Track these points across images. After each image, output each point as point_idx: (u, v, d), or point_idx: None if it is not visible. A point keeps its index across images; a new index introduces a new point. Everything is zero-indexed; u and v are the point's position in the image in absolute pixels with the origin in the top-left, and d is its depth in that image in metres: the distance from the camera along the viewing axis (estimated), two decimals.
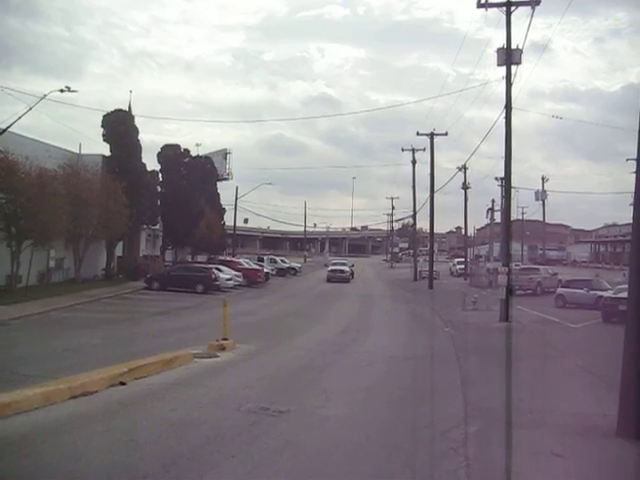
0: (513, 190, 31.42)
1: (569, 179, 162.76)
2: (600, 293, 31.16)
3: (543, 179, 79.06)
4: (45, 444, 7.99)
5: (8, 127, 27.53)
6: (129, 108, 44.01)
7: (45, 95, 28.35)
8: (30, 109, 27.53)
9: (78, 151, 41.69)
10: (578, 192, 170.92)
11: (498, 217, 64.54)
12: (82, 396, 10.36)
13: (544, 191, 78.24)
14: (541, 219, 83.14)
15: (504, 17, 27.19)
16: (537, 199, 78.95)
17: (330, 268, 45.50)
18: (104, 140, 42.57)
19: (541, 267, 51.07)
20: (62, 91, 28.70)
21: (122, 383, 11.51)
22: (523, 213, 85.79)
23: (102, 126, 42.51)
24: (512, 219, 31.80)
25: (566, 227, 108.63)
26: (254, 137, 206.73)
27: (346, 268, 50.36)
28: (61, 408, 9.70)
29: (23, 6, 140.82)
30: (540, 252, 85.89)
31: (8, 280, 30.24)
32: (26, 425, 8.66)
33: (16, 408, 9.12)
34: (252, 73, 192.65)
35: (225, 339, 16.63)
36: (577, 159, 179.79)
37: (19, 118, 27.38)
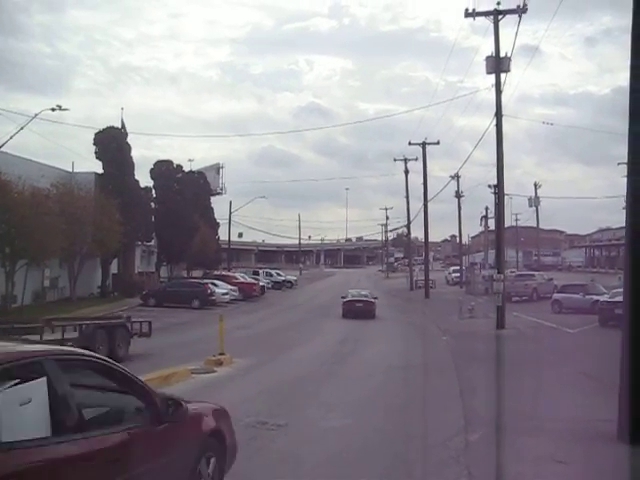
0: (506, 197, 31.62)
1: (562, 184, 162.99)
2: (596, 297, 31.17)
3: (536, 185, 79.11)
4: None
5: (0, 147, 27.50)
6: (122, 125, 44.06)
7: (36, 114, 28.44)
8: (22, 128, 27.57)
9: (71, 169, 41.70)
10: (571, 197, 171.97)
11: (492, 224, 64.79)
12: None
13: (537, 197, 78.35)
14: (535, 225, 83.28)
15: (491, 25, 27.41)
16: (531, 205, 79.04)
17: (346, 300, 34.57)
18: (97, 157, 42.56)
19: (536, 273, 51.04)
20: (53, 110, 28.79)
21: None
22: (517, 220, 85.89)
23: (94, 144, 42.51)
24: (506, 226, 31.97)
25: (560, 232, 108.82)
26: (244, 150, 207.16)
27: (367, 295, 36.05)
28: None
29: (5, 24, 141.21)
30: (535, 258, 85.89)
31: (3, 300, 30.10)
32: None
33: None
34: (240, 86, 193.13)
35: (222, 354, 16.59)
36: (570, 164, 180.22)
37: (11, 137, 27.40)
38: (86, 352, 5.50)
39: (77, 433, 4.45)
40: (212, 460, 6.12)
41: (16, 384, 4.12)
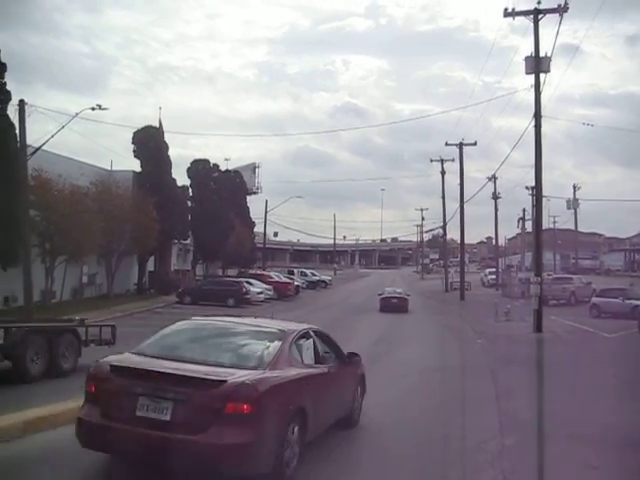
0: (544, 199, 31.19)
1: (602, 186, 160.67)
2: (636, 302, 30.68)
3: (575, 187, 78.04)
4: (80, 458, 8.02)
5: (41, 146, 27.95)
6: (159, 124, 44.53)
7: (77, 113, 28.72)
8: (62, 127, 27.93)
9: (109, 168, 42.28)
10: (611, 199, 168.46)
11: (529, 226, 64.07)
12: None
13: (576, 199, 77.21)
14: (573, 228, 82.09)
15: (531, 25, 27.05)
16: (569, 208, 77.92)
17: (383, 296, 39.12)
18: (135, 156, 43.14)
19: (574, 276, 50.36)
20: (93, 109, 29.05)
21: None
22: (555, 222, 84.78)
23: (132, 142, 43.10)
24: (544, 228, 31.51)
25: (599, 235, 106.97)
26: (280, 149, 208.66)
27: (401, 293, 40.49)
28: None
29: (43, 23, 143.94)
30: (573, 261, 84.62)
31: (42, 296, 30.65)
32: (62, 440, 8.65)
33: (52, 422, 9.17)
34: (276, 86, 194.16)
35: None
36: (609, 165, 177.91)
37: (52, 136, 27.80)
38: (319, 329, 9.81)
39: (321, 363, 8.87)
40: (359, 388, 10.49)
41: (306, 340, 8.72)
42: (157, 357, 7.35)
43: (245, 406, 6.45)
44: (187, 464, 6.30)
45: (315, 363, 8.64)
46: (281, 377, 7.26)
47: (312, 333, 9.08)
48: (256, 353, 7.61)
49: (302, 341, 8.51)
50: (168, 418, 6.47)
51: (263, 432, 6.58)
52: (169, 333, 8.50)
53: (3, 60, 26.50)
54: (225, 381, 6.56)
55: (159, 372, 6.74)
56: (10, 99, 26.60)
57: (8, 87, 26.75)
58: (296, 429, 7.29)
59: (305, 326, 9.32)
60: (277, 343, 7.82)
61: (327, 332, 10.02)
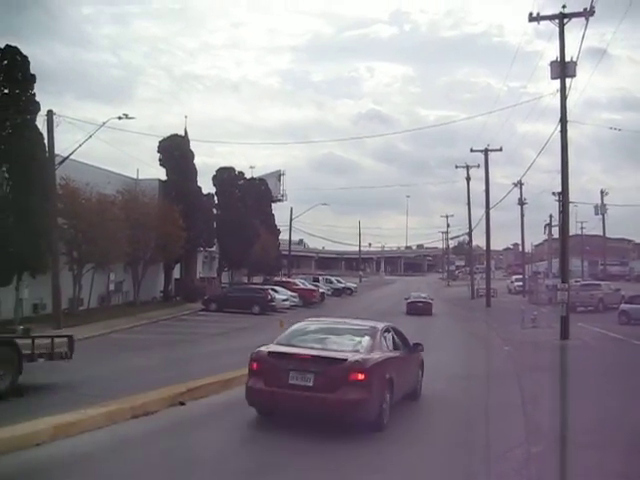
0: (571, 205, 30.92)
1: (630, 191, 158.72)
2: None
3: (602, 192, 77.26)
4: (108, 462, 8.13)
5: (69, 155, 28.39)
6: (185, 133, 44.93)
7: (104, 123, 29.14)
8: (90, 137, 28.33)
9: (136, 176, 42.70)
10: None
11: (556, 232, 63.44)
12: (143, 416, 10.53)
13: (604, 205, 76.37)
14: (601, 234, 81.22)
15: (556, 29, 26.78)
16: (597, 213, 77.17)
17: (409, 300, 44.36)
18: (160, 165, 43.55)
19: (603, 283, 49.74)
20: (120, 118, 29.45)
21: (182, 403, 11.65)
22: (582, 228, 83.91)
23: (158, 151, 43.47)
24: (571, 234, 31.22)
25: (628, 241, 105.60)
26: (305, 157, 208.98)
27: (425, 297, 45.88)
28: (123, 427, 9.88)
29: (72, 35, 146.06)
30: (601, 267, 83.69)
31: (70, 303, 31.01)
32: (90, 444, 8.83)
33: (81, 427, 9.32)
34: (300, 94, 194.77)
35: None
36: (638, 170, 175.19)
37: (79, 146, 28.21)
38: (395, 326, 12.91)
39: (397, 350, 11.80)
40: (419, 373, 13.48)
41: (388, 333, 11.83)
42: (294, 346, 10.66)
43: (360, 375, 9.77)
44: (323, 413, 9.72)
45: (394, 349, 11.71)
46: (378, 357, 10.55)
47: (391, 329, 12.32)
48: (360, 342, 10.86)
49: (386, 334, 11.73)
50: (311, 384, 9.74)
51: (371, 392, 9.81)
52: (296, 329, 11.72)
53: (32, 72, 26.91)
54: (346, 359, 9.95)
55: (304, 355, 10.15)
56: (39, 110, 27.03)
57: (37, 98, 27.14)
58: (387, 392, 10.41)
59: (387, 324, 12.55)
60: (371, 335, 11.14)
61: (401, 331, 12.81)
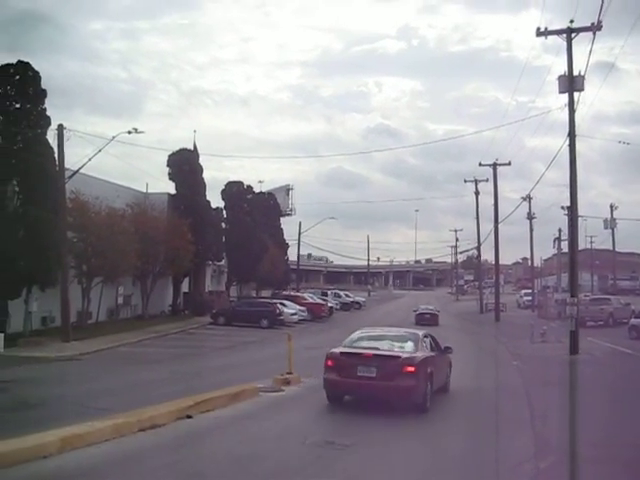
0: (580, 219, 30.83)
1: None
2: None
3: (612, 207, 76.93)
4: (115, 475, 8.14)
5: (79, 169, 28.54)
6: (194, 147, 45.10)
7: (114, 137, 29.29)
8: (100, 151, 28.48)
9: (145, 190, 42.88)
10: None
11: (565, 247, 63.15)
12: (150, 429, 10.52)
13: (613, 219, 76.01)
14: (611, 248, 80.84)
15: (564, 43, 26.77)
16: (606, 227, 76.75)
17: (418, 312, 47.19)
18: (170, 179, 43.64)
19: (613, 297, 49.44)
20: (130, 132, 29.62)
21: (189, 416, 11.63)
22: (592, 242, 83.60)
23: (167, 165, 43.60)
24: (580, 248, 31.12)
25: (639, 255, 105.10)
26: (313, 171, 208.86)
27: (432, 309, 49.63)
28: (130, 440, 9.87)
29: (82, 50, 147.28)
30: (611, 282, 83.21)
31: (79, 316, 31.09)
32: (97, 456, 8.84)
33: (88, 440, 9.32)
34: (309, 108, 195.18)
35: (290, 373, 16.63)
36: None
37: (89, 160, 28.36)
38: (430, 333, 16.05)
39: (433, 351, 14.85)
40: (448, 370, 16.03)
41: (426, 338, 15.16)
42: (358, 347, 13.88)
43: (410, 368, 12.83)
44: (384, 396, 12.89)
45: (431, 350, 14.66)
46: (422, 355, 13.63)
47: (428, 335, 15.58)
48: (408, 344, 14.05)
49: (425, 339, 14.87)
50: (374, 375, 12.81)
51: (419, 381, 12.85)
52: (358, 335, 14.92)
53: (43, 86, 27.16)
54: (400, 357, 13.21)
55: (368, 353, 13.30)
56: (50, 124, 27.23)
57: (48, 113, 27.36)
58: (429, 383, 13.36)
59: (425, 331, 16.12)
60: (415, 340, 14.38)
61: (435, 337, 15.83)
